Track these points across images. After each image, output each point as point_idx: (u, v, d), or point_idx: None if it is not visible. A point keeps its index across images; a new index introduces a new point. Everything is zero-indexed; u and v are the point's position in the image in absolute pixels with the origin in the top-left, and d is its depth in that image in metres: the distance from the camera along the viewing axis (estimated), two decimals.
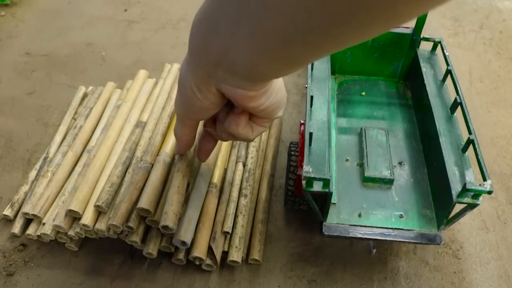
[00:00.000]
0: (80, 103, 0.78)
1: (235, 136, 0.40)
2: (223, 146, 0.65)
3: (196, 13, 0.30)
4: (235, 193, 0.61)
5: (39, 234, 0.59)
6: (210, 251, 0.56)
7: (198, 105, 0.36)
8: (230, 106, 0.39)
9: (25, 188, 0.66)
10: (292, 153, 0.62)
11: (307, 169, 0.43)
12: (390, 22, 0.21)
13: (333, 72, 0.66)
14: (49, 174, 0.63)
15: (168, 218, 0.49)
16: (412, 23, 0.62)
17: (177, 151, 0.51)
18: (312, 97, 0.53)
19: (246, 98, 0.33)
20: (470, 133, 0.49)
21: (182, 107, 0.39)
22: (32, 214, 0.59)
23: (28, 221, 0.62)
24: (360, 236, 0.48)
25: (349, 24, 0.21)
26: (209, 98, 0.35)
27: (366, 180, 0.53)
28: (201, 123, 0.50)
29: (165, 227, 0.49)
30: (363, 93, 0.65)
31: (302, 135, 0.58)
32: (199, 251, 0.54)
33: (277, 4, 0.21)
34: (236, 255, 0.56)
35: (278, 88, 0.37)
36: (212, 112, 0.39)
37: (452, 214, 0.47)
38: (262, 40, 0.24)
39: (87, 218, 0.54)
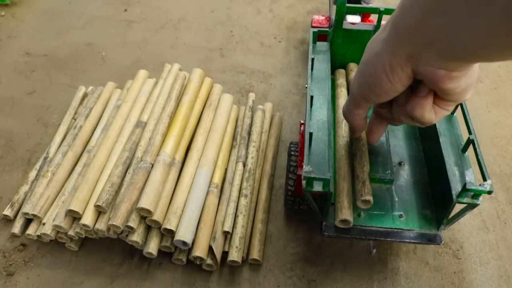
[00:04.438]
0: (80, 103, 0.78)
1: (415, 120, 0.37)
2: (224, 146, 0.65)
3: None
4: (235, 193, 0.61)
5: (39, 234, 0.59)
6: (210, 251, 0.56)
7: (385, 87, 0.34)
8: (411, 88, 0.37)
9: (25, 188, 0.66)
10: (292, 153, 0.62)
11: (307, 169, 0.43)
12: None
13: (333, 72, 0.66)
14: (49, 174, 0.63)
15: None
16: None
17: (352, 134, 0.50)
18: (312, 97, 0.53)
19: (447, 79, 0.31)
20: (470, 133, 0.49)
21: (363, 88, 0.37)
22: (32, 214, 0.59)
23: (28, 221, 0.62)
24: (360, 236, 0.48)
25: None
26: (400, 79, 0.33)
27: None
28: None
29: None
30: None
31: (302, 135, 0.58)
32: (200, 251, 0.54)
33: None
34: (236, 255, 0.56)
35: (476, 69, 0.35)
36: (396, 94, 0.36)
37: (452, 214, 0.47)
38: (498, 22, 0.22)
39: (87, 218, 0.54)
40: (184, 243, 0.52)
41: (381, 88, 0.35)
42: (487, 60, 0.29)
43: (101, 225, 0.54)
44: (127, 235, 0.54)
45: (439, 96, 0.36)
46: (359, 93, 0.38)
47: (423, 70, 0.31)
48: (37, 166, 0.68)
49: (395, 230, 0.49)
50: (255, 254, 0.58)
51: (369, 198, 0.46)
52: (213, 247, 0.55)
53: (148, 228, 0.56)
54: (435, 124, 0.53)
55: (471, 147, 0.48)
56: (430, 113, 0.37)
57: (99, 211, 0.55)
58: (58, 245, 0.61)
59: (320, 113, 0.53)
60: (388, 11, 0.60)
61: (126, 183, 0.56)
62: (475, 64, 0.33)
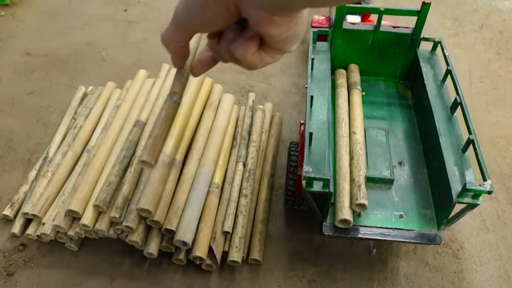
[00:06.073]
0: (80, 103, 0.78)
1: (237, 60, 0.36)
2: (224, 146, 0.65)
3: None
4: (235, 193, 0.61)
5: (39, 234, 0.58)
6: (210, 251, 0.56)
7: (207, 17, 0.32)
8: (241, 25, 0.34)
9: (25, 188, 0.66)
10: (292, 153, 0.62)
11: (307, 169, 0.43)
12: None
13: (333, 72, 0.66)
14: (49, 174, 0.63)
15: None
16: (412, 23, 0.62)
17: (173, 64, 0.45)
18: (312, 97, 0.53)
19: (268, 23, 0.30)
20: (470, 133, 0.49)
21: (187, 14, 0.34)
22: (32, 214, 0.59)
23: (28, 221, 0.62)
24: (360, 236, 0.48)
25: None
26: (223, 13, 0.31)
27: (366, 180, 0.53)
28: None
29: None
30: (363, 93, 0.65)
31: (302, 135, 0.58)
32: (201, 251, 0.54)
33: None
34: (236, 255, 0.56)
35: (303, 20, 0.32)
36: (218, 27, 0.34)
37: (452, 214, 0.47)
38: None
39: (87, 218, 0.54)
40: (184, 243, 0.52)
41: (202, 17, 0.32)
42: (304, 5, 0.28)
43: (101, 225, 0.54)
44: (127, 235, 0.54)
45: (265, 42, 0.34)
46: (182, 18, 0.35)
47: (244, 8, 0.29)
48: (37, 166, 0.68)
49: (395, 230, 0.49)
50: (255, 254, 0.58)
51: (364, 202, 0.47)
52: (213, 247, 0.55)
53: (148, 228, 0.56)
54: (435, 124, 0.53)
55: (471, 147, 0.48)
56: (253, 57, 0.35)
57: (99, 211, 0.55)
58: (58, 245, 0.61)
59: (320, 113, 0.53)
60: (388, 11, 0.60)
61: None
62: (301, 15, 0.31)
